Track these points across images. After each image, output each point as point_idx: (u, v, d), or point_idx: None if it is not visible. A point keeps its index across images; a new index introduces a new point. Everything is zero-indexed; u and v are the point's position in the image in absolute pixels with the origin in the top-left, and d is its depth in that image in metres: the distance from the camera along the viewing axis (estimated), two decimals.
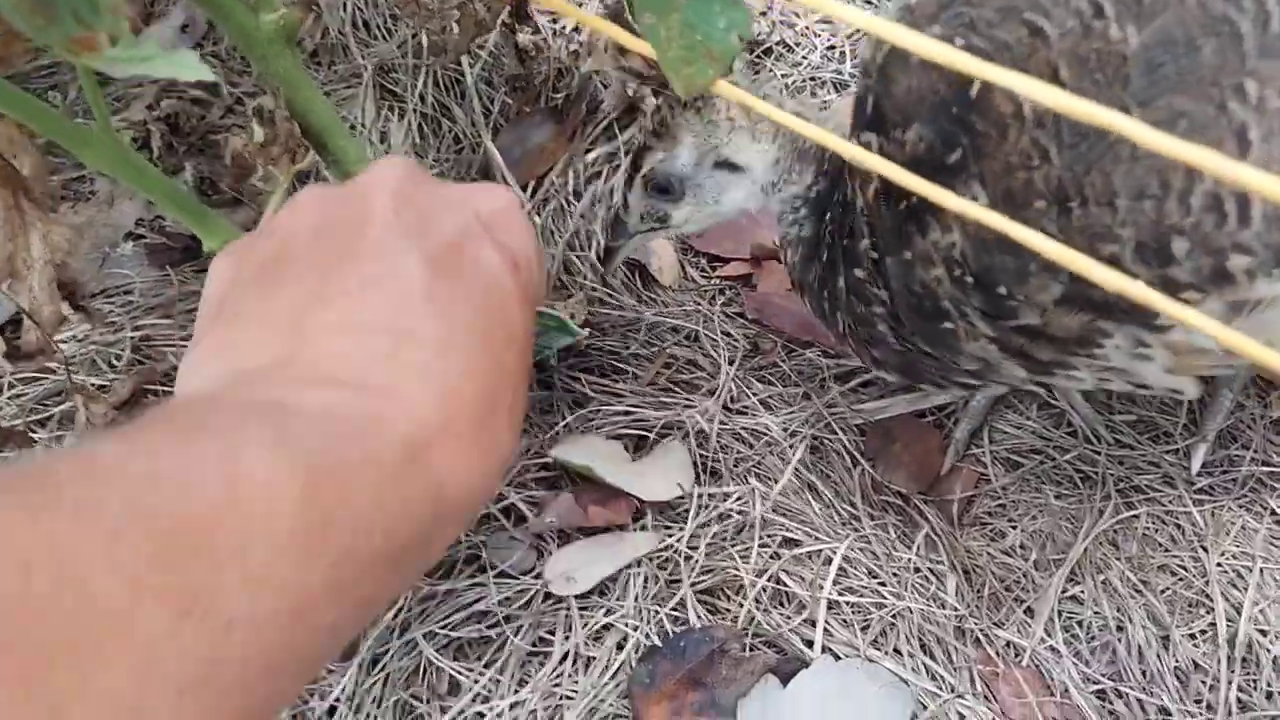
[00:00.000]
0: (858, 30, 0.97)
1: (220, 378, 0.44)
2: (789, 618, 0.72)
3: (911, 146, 0.57)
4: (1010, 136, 0.54)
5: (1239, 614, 0.73)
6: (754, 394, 0.83)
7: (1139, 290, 0.34)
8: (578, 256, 0.89)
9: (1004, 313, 0.57)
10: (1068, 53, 0.53)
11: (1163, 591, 0.75)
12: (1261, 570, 0.75)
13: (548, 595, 0.72)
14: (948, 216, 0.56)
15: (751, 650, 0.70)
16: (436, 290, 0.46)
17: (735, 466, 0.79)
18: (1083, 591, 0.75)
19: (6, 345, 0.72)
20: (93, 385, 0.83)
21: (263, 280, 0.49)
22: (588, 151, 0.94)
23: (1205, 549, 0.76)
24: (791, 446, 0.80)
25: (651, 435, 0.80)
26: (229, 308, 0.49)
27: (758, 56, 0.96)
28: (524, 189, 0.92)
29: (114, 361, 0.86)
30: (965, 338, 0.60)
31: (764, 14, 0.96)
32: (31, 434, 0.81)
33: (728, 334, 0.86)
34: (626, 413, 0.81)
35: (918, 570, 0.75)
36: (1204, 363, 0.58)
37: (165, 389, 0.83)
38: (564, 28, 0.98)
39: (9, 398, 0.84)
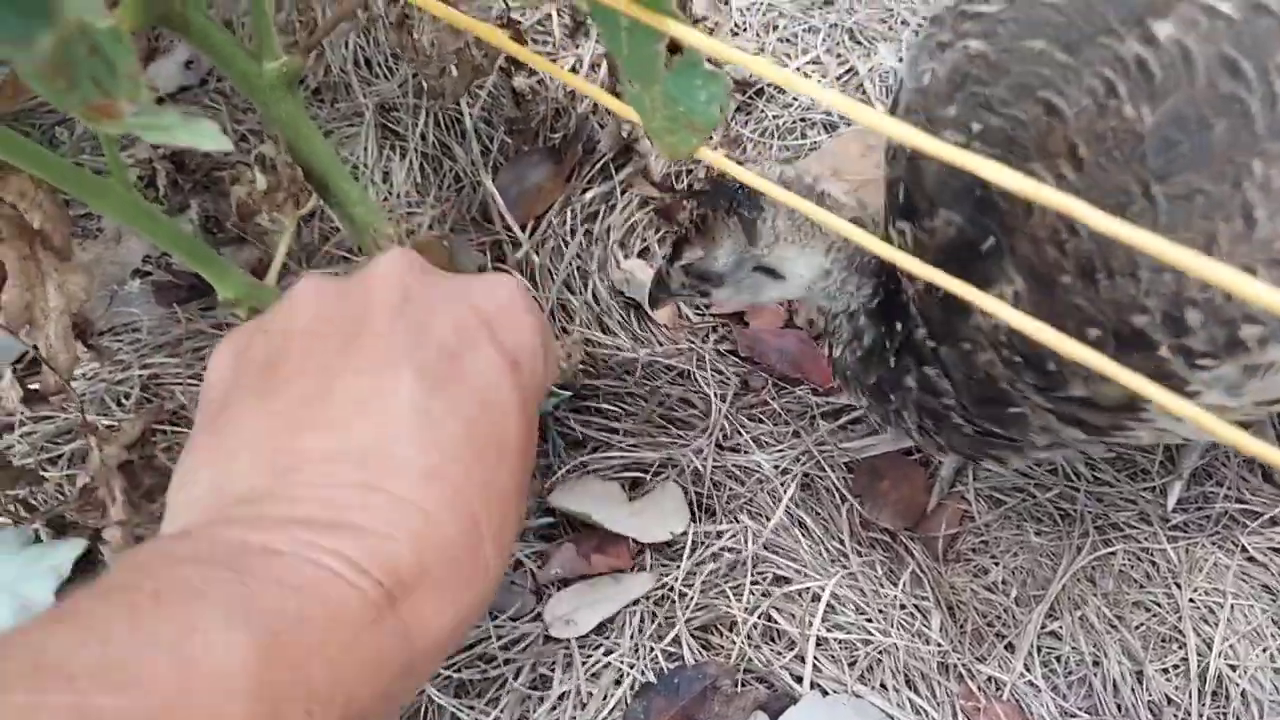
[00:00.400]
0: (849, 71, 1.01)
1: (205, 501, 0.46)
2: (779, 654, 0.76)
3: (942, 233, 0.60)
4: (1036, 213, 0.56)
5: (1210, 649, 0.77)
6: (746, 432, 0.87)
7: (1128, 377, 0.37)
8: (575, 296, 0.93)
9: (1055, 385, 0.60)
10: (1085, 130, 0.55)
11: (1137, 627, 0.79)
12: (1232, 606, 0.79)
13: (547, 638, 0.75)
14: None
15: (743, 686, 0.74)
16: (429, 408, 0.47)
17: (728, 504, 0.83)
18: (1061, 627, 0.79)
19: (23, 389, 0.76)
20: (102, 423, 0.86)
21: (258, 387, 0.50)
22: (585, 191, 0.97)
23: (1179, 585, 0.80)
24: (782, 484, 0.84)
25: (648, 475, 0.84)
26: (225, 414, 0.50)
27: (750, 97, 1.00)
28: (522, 228, 0.96)
29: (122, 400, 0.89)
30: (1033, 415, 0.63)
31: (757, 52, 1.00)
32: (43, 472, 0.85)
33: (719, 372, 0.90)
34: (623, 453, 0.85)
35: (903, 607, 0.79)
36: (1235, 416, 0.61)
37: (174, 428, 0.86)
38: (561, 67, 1.01)
39: (20, 435, 0.88)
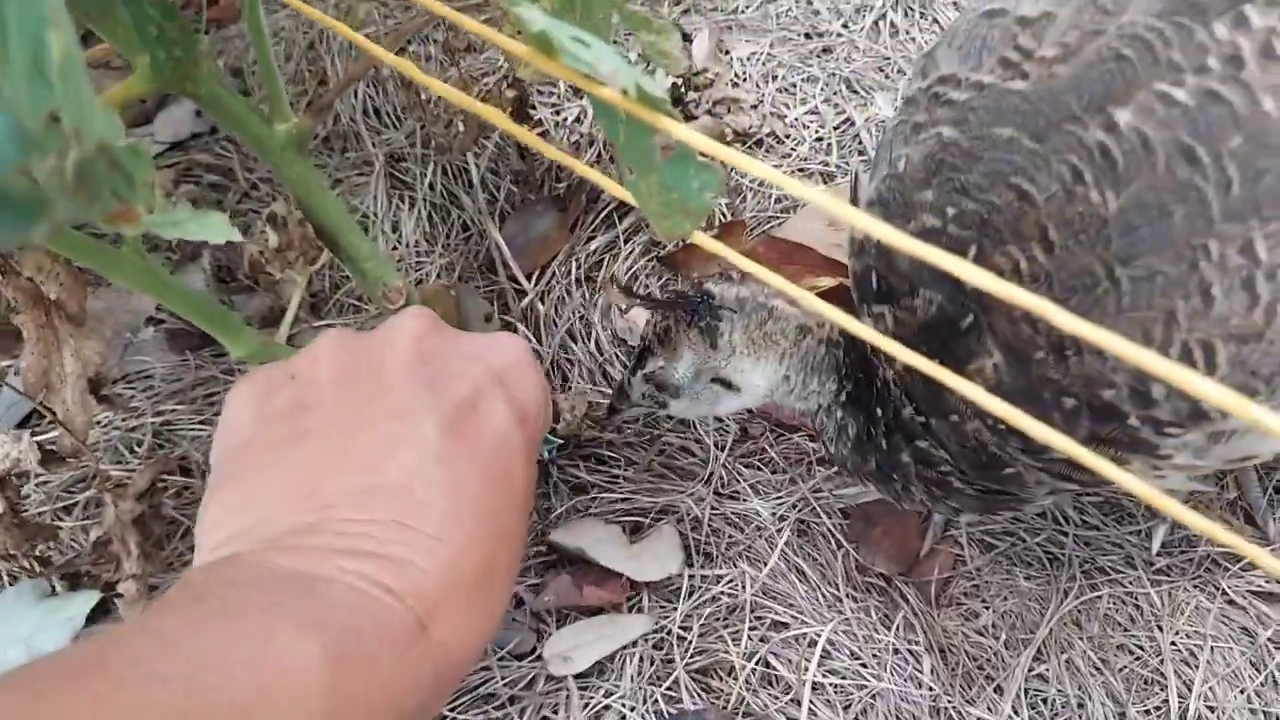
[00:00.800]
0: (846, 121, 1.05)
1: (243, 536, 0.51)
2: (776, 698, 0.81)
3: (923, 311, 0.64)
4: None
5: (1190, 691, 0.82)
6: (744, 479, 0.91)
7: (1078, 451, 0.42)
8: (578, 345, 0.97)
9: (1038, 447, 0.64)
10: (1055, 215, 0.60)
11: (1121, 670, 0.83)
12: (1212, 649, 0.84)
13: (549, 677, 0.80)
14: (968, 372, 0.62)
15: None
16: (449, 454, 0.53)
17: (726, 550, 0.88)
18: (1048, 670, 0.83)
19: (40, 451, 0.80)
20: (116, 471, 0.91)
21: (284, 432, 0.56)
22: (589, 240, 1.02)
23: (1161, 628, 0.85)
24: (779, 530, 0.88)
25: (647, 520, 0.89)
26: (251, 459, 0.55)
27: (750, 147, 1.05)
28: (528, 277, 1.00)
29: (135, 447, 0.94)
30: (1027, 474, 0.67)
31: (754, 108, 1.05)
32: (57, 523, 0.89)
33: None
34: (623, 499, 0.90)
35: (896, 651, 0.83)
36: (1211, 472, 0.66)
37: (184, 477, 0.91)
38: (565, 119, 1.06)
39: (35, 485, 0.92)
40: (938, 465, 0.70)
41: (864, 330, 0.45)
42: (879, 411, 0.71)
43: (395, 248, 1.01)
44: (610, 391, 0.95)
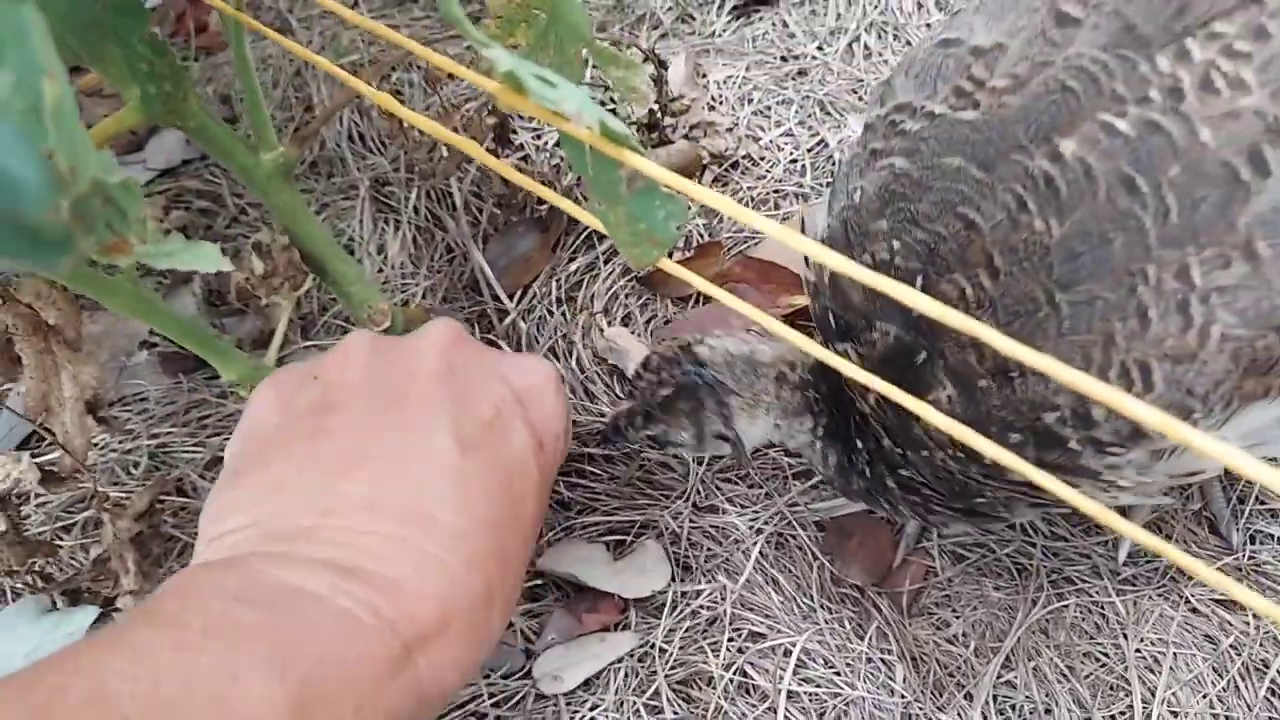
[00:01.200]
0: (819, 143, 1.10)
1: (247, 531, 0.52)
2: (753, 706, 0.85)
3: (881, 343, 0.68)
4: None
5: (1154, 696, 0.86)
6: (721, 493, 0.95)
7: (1028, 469, 0.45)
8: (559, 363, 1.01)
9: (998, 473, 0.68)
10: (1000, 242, 0.63)
11: (1086, 676, 0.87)
12: (1175, 655, 0.88)
13: (538, 695, 0.84)
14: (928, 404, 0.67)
15: None
16: (462, 471, 0.53)
17: (706, 563, 0.92)
18: (1016, 677, 0.87)
19: (40, 471, 0.84)
20: (114, 493, 0.95)
21: (307, 430, 0.57)
22: (570, 261, 1.06)
23: (1126, 636, 0.89)
24: (755, 543, 0.92)
25: (629, 536, 0.93)
26: (273, 451, 0.56)
27: (726, 170, 1.09)
28: (510, 297, 1.04)
29: (132, 469, 0.98)
30: (996, 496, 0.71)
31: (730, 131, 1.09)
32: (57, 541, 0.93)
33: None
34: (606, 516, 0.94)
35: (869, 660, 0.87)
36: (1157, 488, 0.70)
37: (181, 498, 0.95)
38: (546, 144, 1.10)
39: (36, 505, 0.96)
40: (921, 490, 0.74)
41: (836, 360, 0.49)
42: (859, 443, 0.75)
43: (381, 270, 1.05)
44: (596, 410, 0.99)
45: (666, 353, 0.79)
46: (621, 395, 1.01)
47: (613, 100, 1.05)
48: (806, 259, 0.77)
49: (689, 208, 0.55)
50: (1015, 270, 0.63)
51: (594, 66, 0.62)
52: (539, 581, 0.91)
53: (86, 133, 0.44)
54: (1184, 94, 0.61)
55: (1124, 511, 0.94)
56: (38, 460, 0.92)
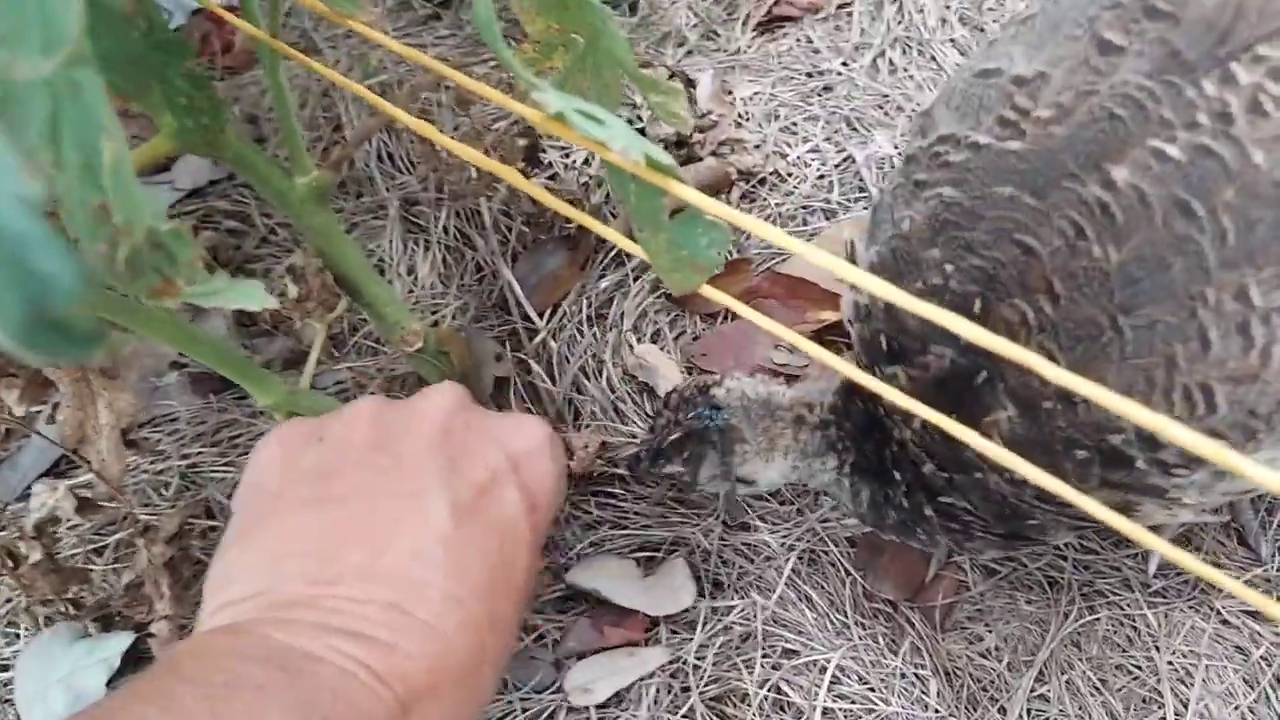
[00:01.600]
0: (846, 159, 1.12)
1: (249, 601, 0.56)
2: None
3: (936, 365, 0.69)
4: (1021, 344, 0.67)
5: (1186, 708, 0.88)
6: (752, 510, 0.97)
7: (1082, 500, 0.47)
8: (590, 381, 1.04)
9: (1051, 496, 0.70)
10: (1060, 269, 0.65)
11: (1119, 689, 0.89)
12: (1207, 667, 0.90)
13: (570, 709, 0.86)
14: (983, 425, 0.67)
15: None
16: (454, 538, 0.57)
17: (737, 580, 0.94)
18: (1049, 691, 0.90)
19: (75, 498, 0.87)
20: (144, 514, 0.97)
21: (306, 495, 0.61)
22: (600, 278, 1.09)
23: (1158, 648, 0.91)
24: (787, 560, 0.95)
25: (660, 554, 0.95)
26: (275, 518, 0.60)
27: (753, 186, 1.11)
28: (540, 315, 1.07)
29: (163, 490, 1.00)
30: (1046, 519, 0.73)
31: (758, 147, 1.11)
32: (89, 565, 0.96)
33: None
34: (635, 533, 0.96)
35: (903, 675, 0.90)
36: (1212, 505, 0.72)
37: (210, 522, 0.97)
38: (574, 162, 1.13)
39: (67, 528, 0.98)
40: (961, 517, 0.75)
41: (877, 385, 0.50)
42: (896, 475, 0.77)
43: (411, 290, 1.08)
44: (626, 429, 1.01)
45: (686, 392, 0.82)
46: (651, 414, 1.04)
47: (639, 119, 1.07)
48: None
49: (730, 234, 0.57)
50: (1076, 295, 0.64)
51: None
52: (568, 593, 0.93)
53: (141, 186, 0.46)
54: (1233, 117, 0.63)
55: (1154, 525, 0.96)
56: (69, 483, 0.95)
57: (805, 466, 0.82)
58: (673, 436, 0.81)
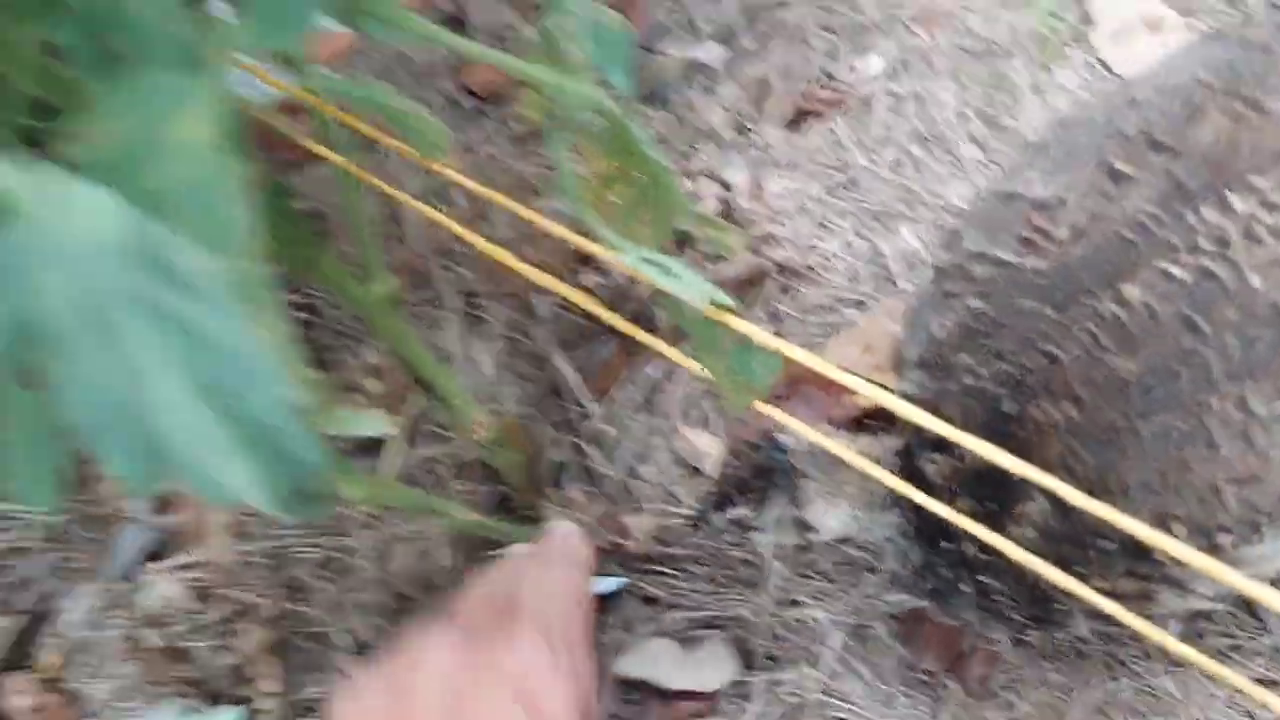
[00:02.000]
0: (875, 252, 1.22)
1: None
2: None
3: (973, 458, 0.78)
4: (1049, 443, 0.75)
5: None
6: (801, 588, 1.06)
7: (1098, 600, 0.57)
8: (644, 466, 1.13)
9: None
10: (1081, 376, 0.74)
11: None
12: None
13: None
14: (1016, 513, 0.76)
15: None
16: None
17: (789, 654, 1.03)
18: None
19: (192, 590, 0.95)
20: (239, 591, 1.05)
21: None
22: (648, 365, 1.18)
23: (1177, 715, 1.00)
24: (837, 634, 1.03)
25: (710, 630, 1.04)
26: None
27: (788, 279, 1.21)
28: (594, 401, 1.16)
29: (254, 571, 1.08)
30: (1074, 605, 0.80)
31: (791, 241, 1.21)
32: (194, 643, 1.03)
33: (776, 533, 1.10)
34: (688, 611, 1.05)
35: None
36: (1225, 591, 0.80)
37: (299, 606, 1.05)
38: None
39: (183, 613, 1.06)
40: (994, 595, 0.84)
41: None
42: (944, 545, 0.85)
43: (474, 381, 1.17)
44: (678, 511, 1.10)
45: (750, 437, 0.90)
46: (699, 499, 1.13)
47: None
48: (900, 369, 0.89)
49: (781, 361, 0.66)
50: (1098, 401, 0.74)
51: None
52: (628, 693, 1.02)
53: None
54: (1230, 242, 0.73)
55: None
56: (172, 564, 1.03)
57: (867, 518, 0.88)
58: (740, 475, 0.88)
